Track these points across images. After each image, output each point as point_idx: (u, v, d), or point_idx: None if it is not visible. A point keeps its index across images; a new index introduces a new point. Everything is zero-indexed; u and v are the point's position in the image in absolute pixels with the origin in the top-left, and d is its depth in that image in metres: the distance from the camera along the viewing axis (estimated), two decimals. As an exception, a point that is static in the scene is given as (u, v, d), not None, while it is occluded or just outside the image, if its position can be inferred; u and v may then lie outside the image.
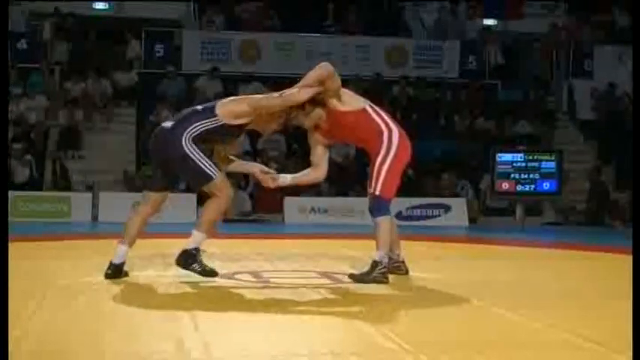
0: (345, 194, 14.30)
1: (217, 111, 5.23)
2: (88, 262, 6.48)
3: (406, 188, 14.40)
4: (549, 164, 13.75)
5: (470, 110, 16.66)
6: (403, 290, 5.22)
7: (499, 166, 13.61)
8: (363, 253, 7.65)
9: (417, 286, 5.36)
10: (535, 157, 13.76)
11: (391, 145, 5.40)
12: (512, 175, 13.56)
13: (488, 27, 18.72)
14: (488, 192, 14.38)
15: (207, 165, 5.15)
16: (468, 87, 17.17)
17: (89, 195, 13.57)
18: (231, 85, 16.25)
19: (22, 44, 16.23)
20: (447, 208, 13.53)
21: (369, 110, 5.49)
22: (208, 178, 5.14)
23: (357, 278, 5.35)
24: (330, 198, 14.21)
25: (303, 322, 4.01)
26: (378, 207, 5.43)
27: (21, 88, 15.24)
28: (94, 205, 13.38)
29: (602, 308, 4.54)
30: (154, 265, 5.93)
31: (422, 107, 16.40)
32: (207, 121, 5.20)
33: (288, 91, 5.39)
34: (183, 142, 5.13)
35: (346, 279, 5.60)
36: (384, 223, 5.41)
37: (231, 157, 5.62)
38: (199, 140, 5.17)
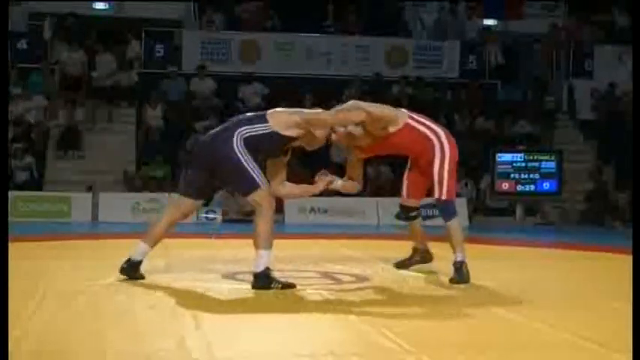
0: (344, 195, 14.29)
1: (268, 118, 5.18)
2: (88, 262, 6.48)
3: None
4: (549, 164, 13.76)
5: (470, 110, 16.65)
6: (404, 291, 5.21)
7: (499, 166, 13.62)
8: (362, 253, 7.67)
9: (418, 286, 5.36)
10: (535, 157, 13.76)
11: (444, 149, 5.62)
12: (512, 175, 13.57)
13: (489, 27, 18.71)
14: (487, 192, 14.38)
15: (256, 172, 5.06)
16: (467, 87, 17.16)
17: (89, 195, 13.56)
18: (231, 85, 16.25)
19: (22, 44, 16.22)
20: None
21: (412, 122, 5.65)
22: (255, 186, 5.03)
23: (455, 281, 5.46)
24: (329, 198, 14.16)
25: (304, 323, 4.01)
26: (448, 210, 5.64)
27: (21, 88, 15.23)
28: (94, 205, 13.38)
29: (602, 309, 4.54)
30: (156, 265, 5.91)
31: (422, 107, 16.26)
32: (258, 126, 5.14)
33: (338, 112, 5.41)
34: (235, 144, 5.04)
35: (346, 278, 5.61)
36: (456, 225, 5.65)
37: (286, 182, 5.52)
38: (249, 146, 5.07)
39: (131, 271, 5.30)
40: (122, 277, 5.26)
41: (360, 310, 4.26)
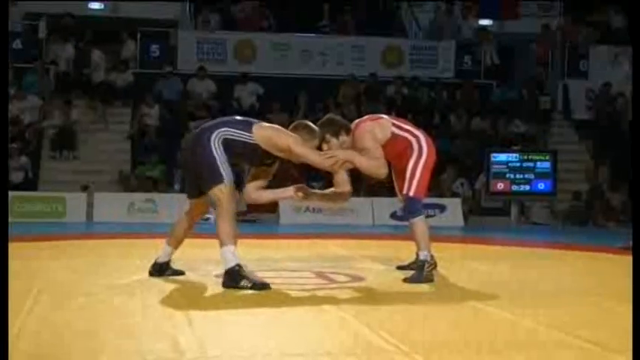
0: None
1: (254, 130, 5.17)
2: (83, 262, 6.47)
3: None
4: (544, 164, 13.78)
5: (465, 110, 16.66)
6: (399, 290, 5.22)
7: (494, 166, 13.63)
8: (357, 252, 7.67)
9: (414, 287, 5.36)
10: (530, 157, 13.78)
11: (421, 150, 5.73)
12: (507, 175, 13.58)
13: (484, 27, 18.73)
14: (483, 192, 14.39)
15: (225, 168, 5.04)
16: (463, 87, 17.18)
17: (84, 195, 13.55)
18: (227, 85, 16.25)
19: (17, 44, 16.21)
20: (442, 208, 13.53)
21: (395, 130, 5.75)
22: (218, 180, 5.02)
23: (410, 281, 5.46)
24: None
25: (298, 322, 4.01)
26: (412, 208, 5.66)
27: (15, 88, 15.21)
28: (89, 206, 13.36)
29: (597, 308, 4.55)
30: (150, 265, 5.90)
31: (417, 107, 16.39)
32: (242, 133, 5.14)
33: (327, 153, 5.42)
34: (212, 140, 5.06)
35: (341, 278, 5.62)
36: (420, 223, 5.65)
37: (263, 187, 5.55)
38: (226, 147, 5.08)
39: (158, 272, 5.44)
40: (119, 278, 5.29)
41: (354, 309, 4.26)
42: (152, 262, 5.54)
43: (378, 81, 16.87)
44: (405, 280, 5.50)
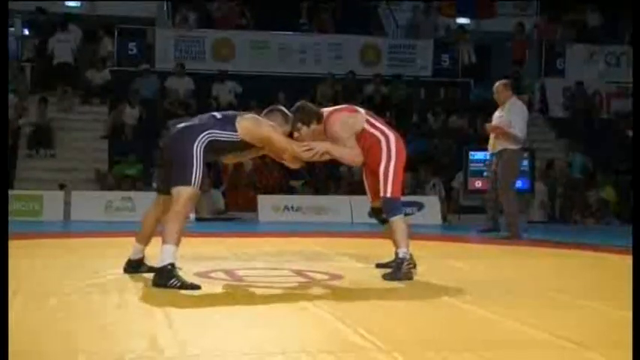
0: (320, 192, 14.31)
1: (237, 125, 5.15)
2: (59, 261, 6.42)
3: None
4: (522, 162, 13.81)
5: (443, 108, 16.71)
6: (377, 288, 5.22)
7: (472, 164, 13.67)
8: (336, 251, 7.67)
9: (392, 284, 5.36)
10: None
11: (390, 151, 5.71)
12: (484, 173, 13.61)
13: (462, 26, 18.80)
14: (461, 190, 14.44)
15: (198, 172, 4.97)
16: (441, 85, 17.22)
17: (61, 194, 13.46)
18: (205, 83, 16.21)
19: (-8, 41, 16.08)
20: (420, 206, 13.57)
21: (366, 126, 5.73)
22: (186, 182, 4.96)
23: (388, 278, 5.47)
24: (303, 196, 14.20)
25: (277, 321, 4.00)
26: (392, 208, 5.67)
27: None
28: (66, 204, 13.27)
29: (579, 307, 4.55)
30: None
31: (395, 105, 16.44)
32: (227, 133, 5.12)
33: (303, 144, 5.42)
34: (196, 143, 5.00)
35: (319, 276, 5.60)
36: (399, 222, 5.66)
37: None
38: (212, 148, 5.05)
39: (133, 269, 5.42)
40: (96, 277, 5.25)
41: (333, 307, 4.25)
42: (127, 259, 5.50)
43: (356, 79, 16.89)
44: (384, 276, 5.50)
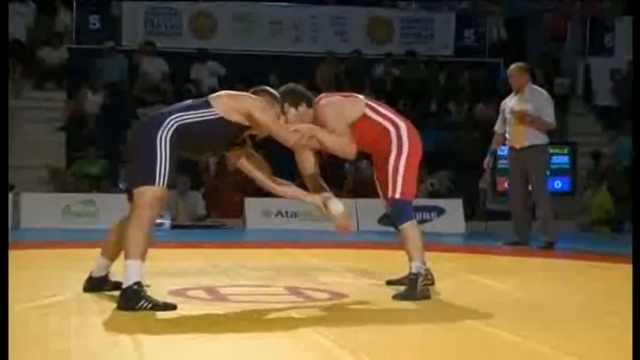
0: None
1: (212, 102, 5.14)
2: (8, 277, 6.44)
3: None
4: (561, 159, 13.85)
5: (467, 95, 16.72)
6: (387, 310, 5.24)
7: (501, 161, 13.68)
8: (337, 264, 7.68)
9: (406, 306, 5.37)
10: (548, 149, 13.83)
11: (402, 142, 5.73)
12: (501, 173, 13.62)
13: (489, -5, 18.82)
14: (489, 192, 14.46)
15: (163, 168, 4.89)
16: (464, 67, 17.22)
17: (9, 196, 13.46)
18: (183, 64, 16.21)
19: None
20: (440, 211, 13.58)
21: (369, 112, 5.75)
22: (150, 179, 4.88)
23: (400, 297, 5.47)
24: (300, 200, 14.20)
25: (265, 347, 4.02)
26: (402, 212, 5.68)
27: None
28: (16, 209, 13.27)
29: (614, 330, 4.55)
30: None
31: (410, 91, 16.45)
32: (201, 111, 5.07)
33: (289, 126, 5.45)
34: (160, 131, 4.93)
35: (318, 295, 5.62)
36: (411, 229, 5.65)
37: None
38: (183, 137, 4.97)
39: (95, 287, 5.45)
40: (53, 296, 5.27)
41: (334, 332, 4.27)
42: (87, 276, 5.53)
43: (362, 60, 16.89)
44: (395, 297, 5.52)
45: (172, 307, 4.89)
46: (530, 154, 10.01)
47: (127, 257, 4.91)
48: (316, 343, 4.08)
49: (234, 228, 13.45)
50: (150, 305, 4.83)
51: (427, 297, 5.50)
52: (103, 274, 5.49)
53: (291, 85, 5.87)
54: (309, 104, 5.69)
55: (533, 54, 17.88)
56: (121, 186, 14.13)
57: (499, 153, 13.70)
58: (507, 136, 10.22)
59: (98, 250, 5.58)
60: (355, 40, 17.33)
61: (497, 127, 10.41)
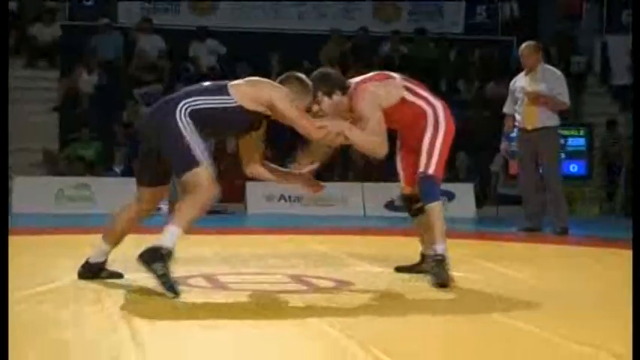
0: (324, 179, 14.28)
1: (230, 90, 5.14)
2: None
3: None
4: (577, 141, 13.85)
5: (478, 74, 16.69)
6: (397, 298, 5.23)
7: (512, 143, 13.66)
8: (343, 250, 7.68)
9: (411, 292, 5.37)
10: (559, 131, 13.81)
11: (438, 124, 5.71)
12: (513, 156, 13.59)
13: (501, -30, 18.78)
14: (501, 175, 14.45)
15: (198, 149, 4.99)
16: (475, 45, 17.19)
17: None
18: (181, 43, 16.19)
19: None
20: (450, 196, 13.57)
21: (406, 95, 5.70)
22: (193, 164, 4.97)
23: (434, 280, 5.46)
24: (303, 183, 14.18)
25: (269, 336, 4.01)
26: (431, 190, 5.65)
27: None
28: (8, 193, 13.30)
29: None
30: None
31: (419, 70, 16.41)
32: (217, 98, 5.11)
33: (316, 121, 5.37)
34: (177, 113, 5.01)
35: (323, 283, 5.61)
36: (438, 209, 5.65)
37: (265, 163, 5.56)
38: (197, 120, 5.03)
39: (90, 274, 5.43)
40: (47, 284, 5.26)
41: (341, 322, 4.26)
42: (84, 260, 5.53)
43: (369, 37, 16.86)
44: (432, 284, 5.47)
45: (176, 292, 4.88)
46: (542, 136, 10.00)
47: (172, 223, 4.93)
48: (322, 333, 4.07)
49: (235, 213, 13.46)
50: (162, 273, 4.84)
51: (452, 279, 5.49)
52: (101, 259, 5.49)
53: (324, 70, 5.79)
54: (343, 91, 5.57)
55: (547, 32, 17.85)
56: (116, 169, 14.17)
57: (511, 135, 13.74)
58: (518, 117, 10.20)
59: (93, 236, 5.58)
60: (361, 18, 17.29)
61: (506, 109, 10.39)
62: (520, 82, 10.25)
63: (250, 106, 5.14)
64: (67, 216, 12.10)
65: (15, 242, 8.27)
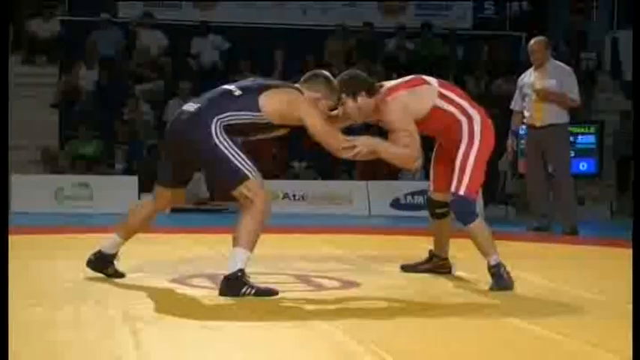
0: (329, 177, 14.29)
1: (261, 104, 5.17)
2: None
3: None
4: (587, 138, 13.78)
5: (487, 70, 16.66)
6: (402, 300, 5.22)
7: (522, 142, 13.64)
8: (350, 251, 7.67)
9: (420, 294, 5.37)
10: (569, 129, 13.78)
11: (473, 135, 5.65)
12: (521, 154, 13.56)
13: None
14: (509, 174, 14.42)
15: (242, 160, 5.11)
16: (483, 41, 17.16)
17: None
18: (183, 38, 16.17)
19: None
20: (457, 195, 13.55)
21: (440, 103, 5.64)
22: (242, 178, 5.09)
23: (496, 289, 5.47)
24: (307, 181, 14.19)
25: (273, 339, 4.01)
26: (466, 211, 5.62)
27: None
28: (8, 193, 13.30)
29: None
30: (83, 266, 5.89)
31: (425, 66, 16.38)
32: (247, 114, 5.18)
33: (341, 138, 5.34)
34: (213, 130, 5.08)
35: (328, 283, 5.61)
36: (478, 228, 5.61)
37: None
38: (232, 130, 5.14)
39: (98, 265, 5.52)
40: (45, 284, 5.26)
41: (346, 324, 4.26)
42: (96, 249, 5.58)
43: (374, 33, 16.84)
44: (491, 289, 5.49)
45: (274, 292, 5.06)
46: (551, 134, 9.98)
47: (236, 244, 5.08)
48: (327, 333, 4.07)
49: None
50: (253, 291, 5.00)
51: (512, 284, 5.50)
52: (112, 252, 5.56)
53: (352, 72, 5.73)
54: (370, 92, 5.52)
55: (557, 27, 17.81)
56: (118, 167, 14.16)
57: (520, 132, 13.71)
58: (526, 113, 10.19)
59: (93, 235, 5.59)
60: (366, 12, 17.27)
61: (514, 105, 10.38)
62: (529, 78, 10.24)
63: (279, 121, 5.25)
64: (67, 215, 12.10)
65: (14, 241, 8.28)
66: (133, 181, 13.20)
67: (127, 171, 13.81)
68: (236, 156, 5.10)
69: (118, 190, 12.82)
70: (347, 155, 5.36)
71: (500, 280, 5.50)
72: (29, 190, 13.23)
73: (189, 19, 16.76)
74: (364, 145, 5.35)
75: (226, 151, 5.09)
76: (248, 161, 5.13)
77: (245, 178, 5.09)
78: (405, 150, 5.46)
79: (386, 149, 5.44)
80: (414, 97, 5.60)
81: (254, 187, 5.11)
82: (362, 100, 5.49)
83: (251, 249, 5.09)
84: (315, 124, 5.21)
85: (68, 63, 15.62)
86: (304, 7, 17.40)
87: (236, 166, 5.09)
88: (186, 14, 16.99)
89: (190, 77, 14.98)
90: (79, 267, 5.56)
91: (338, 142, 5.31)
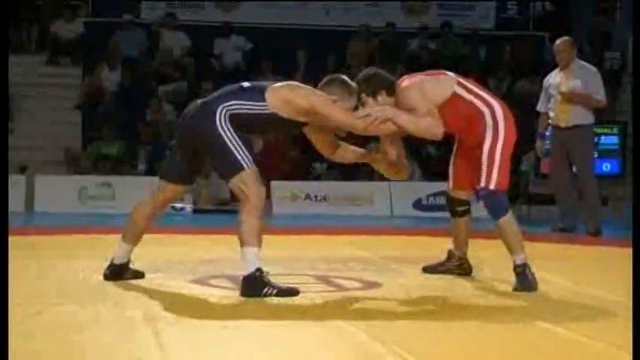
0: (350, 178, 14.28)
1: (267, 95, 5.19)
2: (20, 264, 6.44)
3: (427, 170, 14.43)
4: (610, 139, 13.72)
5: (509, 70, 16.61)
6: (428, 302, 5.20)
7: (545, 142, 13.57)
8: (371, 252, 7.65)
9: (443, 296, 5.34)
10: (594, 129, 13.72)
11: (497, 127, 5.61)
12: (545, 155, 13.48)
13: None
14: (532, 175, 14.37)
15: (240, 152, 5.12)
16: (506, 41, 17.11)
17: (23, 178, 13.52)
18: (205, 39, 16.20)
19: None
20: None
21: (460, 91, 5.61)
22: (237, 169, 5.10)
23: (520, 289, 5.44)
24: (328, 182, 14.18)
25: (294, 339, 4.00)
26: (498, 205, 5.60)
27: None
28: (29, 191, 13.34)
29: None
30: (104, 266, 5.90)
31: (447, 66, 16.32)
32: (252, 103, 5.18)
33: (360, 112, 5.35)
34: (217, 118, 5.11)
35: (351, 284, 5.60)
36: (508, 223, 5.60)
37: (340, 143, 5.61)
38: (237, 123, 5.14)
39: (116, 276, 5.49)
40: (68, 284, 5.26)
41: (368, 325, 4.24)
42: (108, 262, 5.54)
43: (397, 33, 16.82)
44: (515, 289, 5.46)
45: (296, 292, 5.08)
46: (576, 135, 9.93)
47: (243, 244, 5.07)
48: (347, 334, 4.06)
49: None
50: (275, 291, 5.01)
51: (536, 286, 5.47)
52: (124, 260, 5.55)
53: (371, 70, 5.70)
54: (390, 92, 5.49)
55: (580, 27, 17.73)
56: (140, 168, 14.20)
57: (546, 133, 13.66)
58: (551, 114, 10.14)
59: (116, 236, 5.59)
60: (389, 13, 17.25)
61: (540, 107, 10.33)
62: (554, 78, 10.18)
63: (285, 113, 5.20)
64: (90, 215, 12.13)
65: (37, 241, 8.32)
66: (156, 181, 13.18)
67: (150, 171, 13.83)
68: (236, 146, 5.11)
69: (140, 190, 12.80)
70: (362, 125, 5.28)
71: (525, 280, 5.47)
72: (52, 191, 13.29)
73: (212, 20, 16.80)
74: (378, 112, 5.31)
75: (228, 141, 5.10)
76: (247, 152, 5.14)
77: (241, 169, 5.10)
78: (425, 119, 5.42)
79: (404, 117, 5.35)
80: (433, 84, 5.60)
81: (248, 180, 5.10)
82: (382, 98, 5.47)
83: (256, 244, 5.07)
84: (327, 107, 5.18)
85: (91, 64, 15.68)
86: (327, 7, 17.40)
87: (235, 157, 5.10)
88: (209, 15, 17.02)
89: (213, 78, 14.99)
90: (102, 267, 5.57)
91: (349, 115, 5.29)
